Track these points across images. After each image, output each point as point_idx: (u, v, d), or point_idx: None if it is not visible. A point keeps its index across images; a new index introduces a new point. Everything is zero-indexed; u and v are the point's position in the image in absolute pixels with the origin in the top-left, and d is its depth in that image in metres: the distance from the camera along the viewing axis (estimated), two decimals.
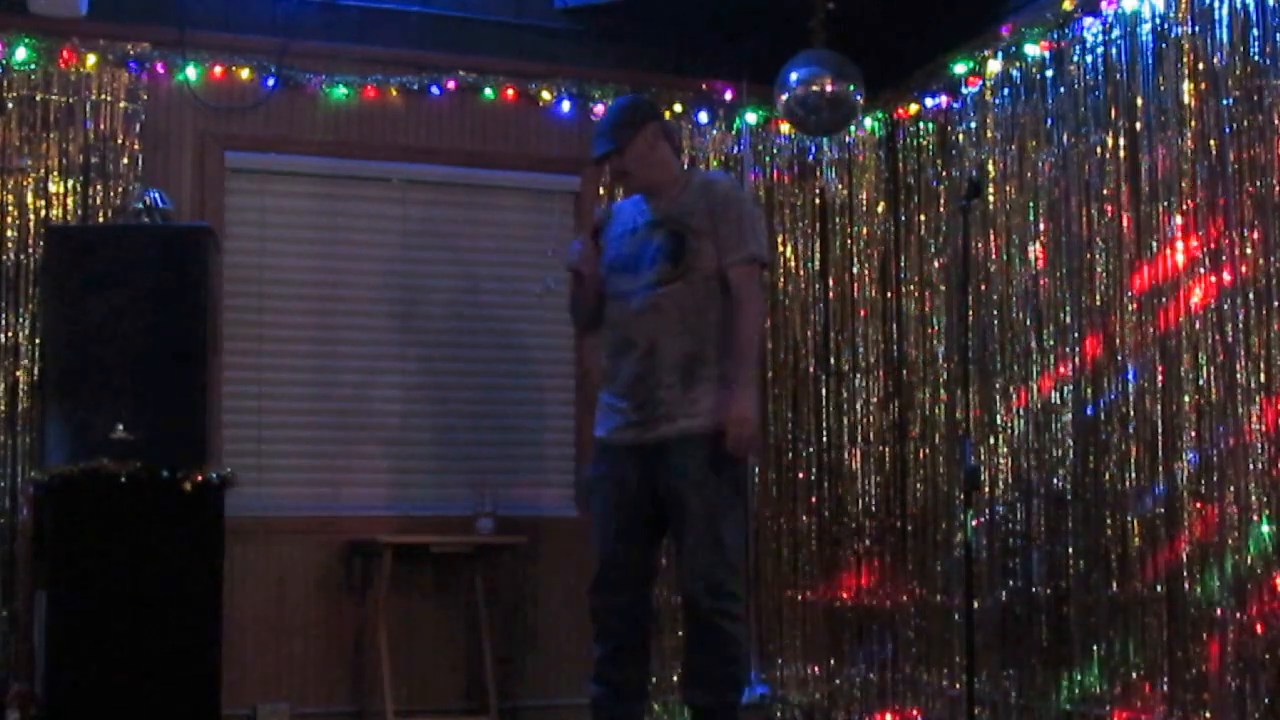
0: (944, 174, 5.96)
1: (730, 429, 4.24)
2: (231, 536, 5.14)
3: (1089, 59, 5.14)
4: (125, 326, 4.96)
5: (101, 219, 5.41)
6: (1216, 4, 4.60)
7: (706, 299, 4.35)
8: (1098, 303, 5.08)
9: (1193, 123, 4.68)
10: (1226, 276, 4.54)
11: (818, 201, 6.36)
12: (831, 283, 6.32)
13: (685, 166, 4.73)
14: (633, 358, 4.36)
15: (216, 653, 4.95)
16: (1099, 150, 5.08)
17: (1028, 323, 5.43)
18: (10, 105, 5.39)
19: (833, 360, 6.28)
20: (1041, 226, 5.39)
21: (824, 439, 6.26)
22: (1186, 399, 4.68)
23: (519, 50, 6.07)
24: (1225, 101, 4.57)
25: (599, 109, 6.01)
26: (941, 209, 5.99)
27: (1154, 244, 4.84)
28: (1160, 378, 4.80)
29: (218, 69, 5.69)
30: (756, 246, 4.40)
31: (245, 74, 5.72)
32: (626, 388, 4.38)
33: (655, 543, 4.46)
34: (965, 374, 5.57)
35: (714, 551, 4.27)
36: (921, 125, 6.10)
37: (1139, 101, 4.91)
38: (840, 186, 6.34)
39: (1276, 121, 4.40)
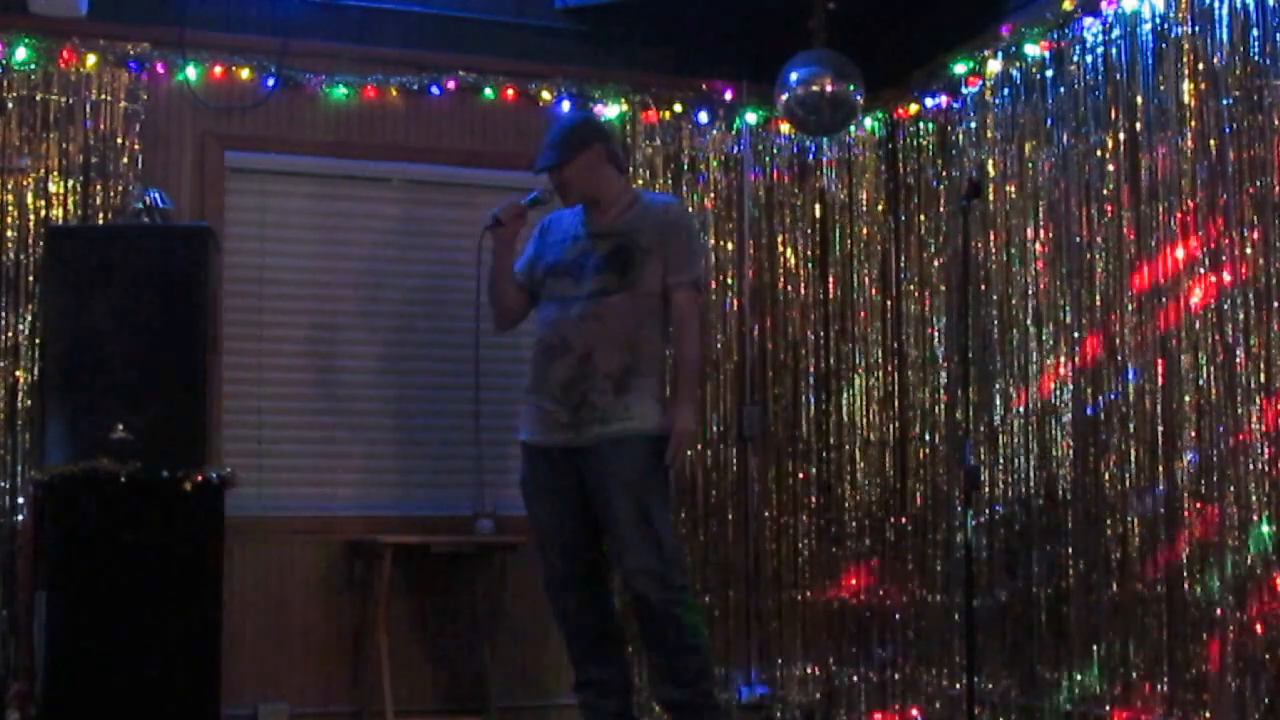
0: (944, 174, 5.96)
1: (673, 441, 4.45)
2: (231, 536, 5.14)
3: (1089, 59, 5.14)
4: (125, 326, 4.95)
5: (101, 219, 5.41)
6: (1216, 4, 4.60)
7: (646, 314, 4.54)
8: (1098, 303, 5.08)
9: (1193, 123, 4.68)
10: (1226, 276, 4.54)
11: (818, 201, 6.36)
12: (831, 283, 6.32)
13: (631, 186, 4.89)
14: (567, 361, 4.50)
15: (216, 653, 4.94)
16: (1099, 150, 5.08)
17: (1028, 323, 5.42)
18: (10, 105, 5.39)
19: (833, 360, 6.28)
20: (1041, 226, 5.39)
21: (824, 439, 6.26)
22: (1186, 399, 4.68)
23: (519, 50, 6.06)
24: (1225, 101, 4.57)
25: (599, 109, 6.02)
26: (941, 209, 5.99)
27: (1154, 244, 4.84)
28: (1160, 378, 4.80)
29: (218, 69, 5.68)
30: (699, 271, 4.68)
31: (245, 74, 5.72)
32: (559, 389, 4.51)
33: (597, 539, 4.57)
34: (965, 374, 5.57)
35: (654, 548, 4.40)
36: (921, 125, 6.10)
37: (1139, 101, 4.91)
38: (840, 186, 6.34)
39: (1277, 121, 4.40)
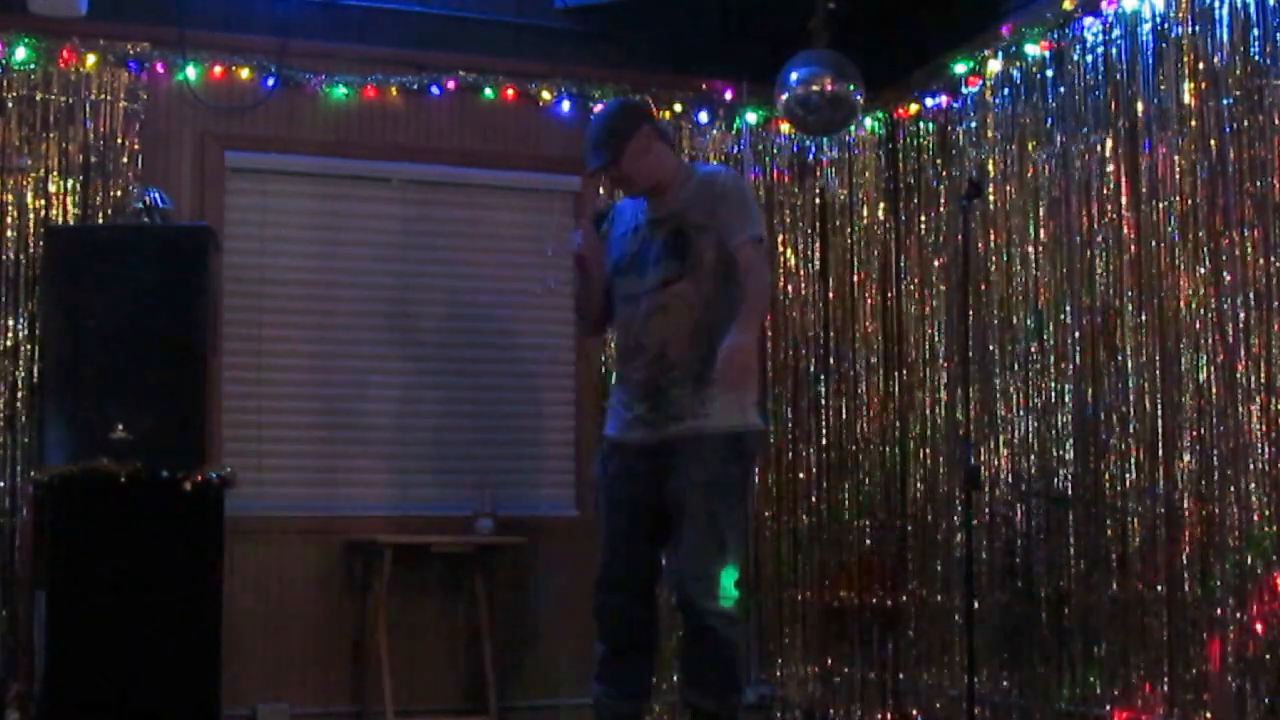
0: (944, 174, 5.96)
1: (725, 354, 4.13)
2: (231, 536, 5.14)
3: (1089, 59, 5.14)
4: (125, 327, 4.95)
5: (101, 219, 5.41)
6: (1216, 4, 4.60)
7: (713, 294, 4.33)
8: (1098, 303, 5.08)
9: (1193, 122, 4.68)
10: (1226, 276, 4.54)
11: (818, 201, 6.36)
12: (831, 283, 6.32)
13: (685, 161, 4.70)
14: (643, 361, 4.37)
15: (216, 653, 4.94)
16: (1099, 150, 5.08)
17: (1028, 323, 5.42)
18: (10, 105, 5.39)
19: (833, 360, 6.28)
20: (1041, 226, 5.39)
21: (824, 439, 6.26)
22: (1186, 399, 4.68)
23: (519, 50, 6.06)
24: (1225, 101, 4.57)
25: (599, 109, 6.00)
26: (941, 209, 5.98)
27: (1154, 244, 4.84)
28: (1160, 378, 4.80)
29: (217, 69, 5.68)
30: (758, 228, 4.38)
31: (245, 74, 5.72)
32: (639, 389, 4.38)
33: (660, 543, 4.45)
34: (965, 374, 5.56)
35: (716, 554, 4.26)
36: (921, 125, 6.10)
37: (1139, 101, 4.91)
38: (840, 186, 6.34)
39: (1277, 121, 4.40)
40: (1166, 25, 4.81)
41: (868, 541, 6.17)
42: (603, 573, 4.48)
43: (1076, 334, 5.18)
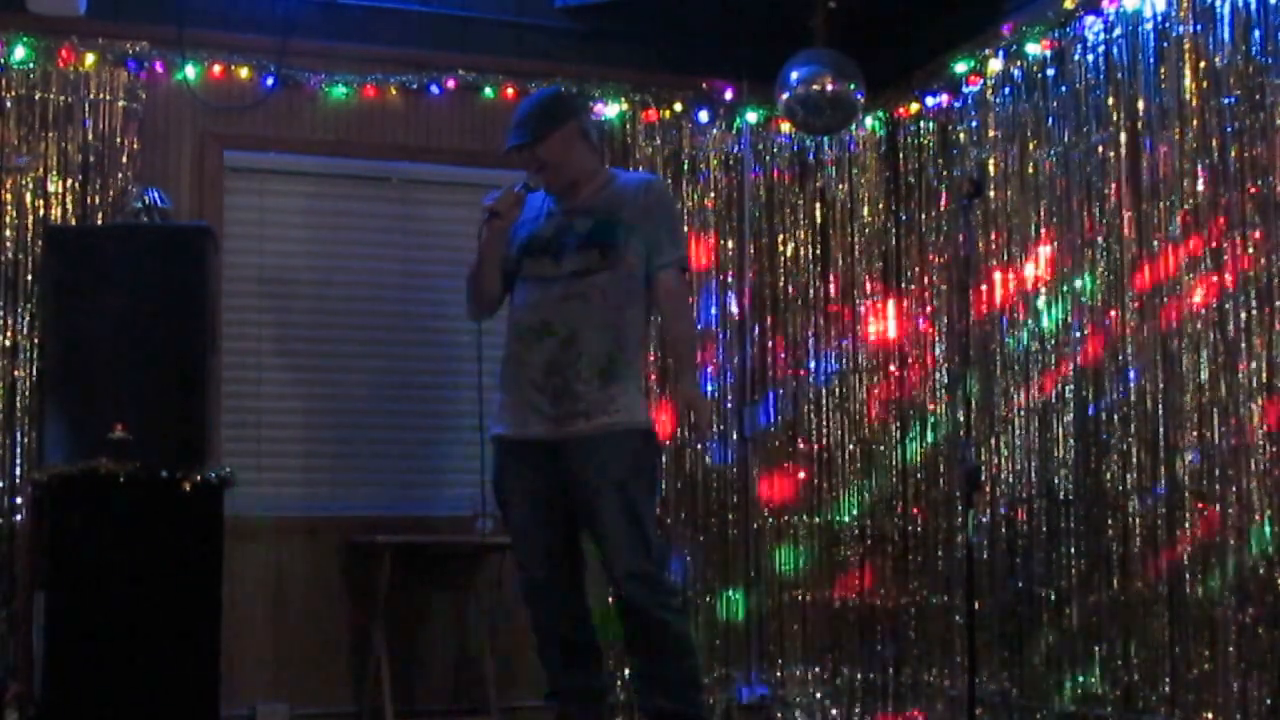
0: (945, 173, 5.96)
1: (695, 411, 4.36)
2: (231, 536, 5.13)
3: (1090, 58, 5.14)
4: (124, 326, 4.94)
5: (100, 219, 5.40)
6: (1218, 3, 4.60)
7: (629, 295, 4.32)
8: (1098, 302, 5.08)
9: (1194, 121, 4.68)
10: (1228, 276, 4.54)
11: (818, 201, 6.35)
12: (832, 282, 6.31)
13: (604, 164, 4.71)
14: (550, 344, 4.26)
15: (216, 653, 4.93)
16: (1100, 149, 5.08)
17: (1028, 323, 5.42)
18: (9, 104, 5.38)
19: (833, 360, 6.28)
20: (1042, 226, 5.38)
21: (824, 439, 6.25)
22: (1187, 399, 4.67)
23: (519, 50, 6.06)
24: (1227, 100, 4.56)
25: (599, 108, 6.00)
26: (942, 208, 5.98)
27: (1155, 243, 4.84)
28: (1161, 378, 4.79)
29: (217, 68, 5.68)
30: (684, 251, 4.48)
31: (244, 73, 5.72)
32: (540, 374, 4.27)
33: (576, 541, 4.36)
34: (965, 374, 5.56)
35: (644, 550, 4.18)
36: (922, 124, 6.09)
37: (1140, 100, 4.91)
38: (840, 186, 6.34)
39: (1278, 120, 4.40)
40: (1168, 24, 4.81)
41: (868, 541, 6.17)
42: (527, 582, 4.36)
43: (1076, 334, 5.18)
